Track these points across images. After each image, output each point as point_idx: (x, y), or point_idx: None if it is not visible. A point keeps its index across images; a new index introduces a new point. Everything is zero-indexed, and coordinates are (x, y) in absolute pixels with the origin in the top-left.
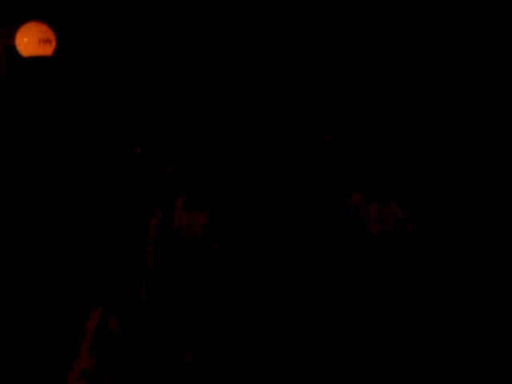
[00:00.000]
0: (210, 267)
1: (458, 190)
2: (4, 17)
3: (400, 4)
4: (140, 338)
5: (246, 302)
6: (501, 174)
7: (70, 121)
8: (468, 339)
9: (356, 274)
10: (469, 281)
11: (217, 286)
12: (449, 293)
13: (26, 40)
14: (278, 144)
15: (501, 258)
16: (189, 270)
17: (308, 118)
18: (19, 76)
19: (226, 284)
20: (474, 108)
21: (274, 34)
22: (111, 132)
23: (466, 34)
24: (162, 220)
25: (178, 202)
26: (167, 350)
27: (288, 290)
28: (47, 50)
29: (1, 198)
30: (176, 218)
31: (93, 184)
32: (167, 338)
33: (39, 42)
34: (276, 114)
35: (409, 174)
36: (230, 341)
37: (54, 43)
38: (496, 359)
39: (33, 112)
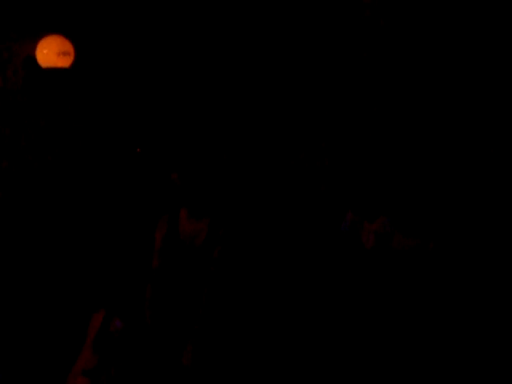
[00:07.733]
0: (210, 271)
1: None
2: (25, 30)
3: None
4: (143, 338)
5: (244, 303)
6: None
7: (84, 127)
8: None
9: (351, 281)
10: (457, 285)
11: (216, 289)
12: (439, 296)
13: (45, 52)
14: (280, 160)
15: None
16: (191, 275)
17: (309, 140)
18: (37, 85)
19: (224, 287)
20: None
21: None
22: (119, 139)
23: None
24: (168, 227)
25: (182, 210)
26: (169, 350)
27: (284, 294)
28: (66, 62)
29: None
30: (180, 225)
31: (100, 187)
32: (170, 339)
33: (58, 55)
34: (280, 128)
35: (395, 191)
36: (228, 341)
37: (72, 56)
38: (492, 360)
39: (47, 115)
